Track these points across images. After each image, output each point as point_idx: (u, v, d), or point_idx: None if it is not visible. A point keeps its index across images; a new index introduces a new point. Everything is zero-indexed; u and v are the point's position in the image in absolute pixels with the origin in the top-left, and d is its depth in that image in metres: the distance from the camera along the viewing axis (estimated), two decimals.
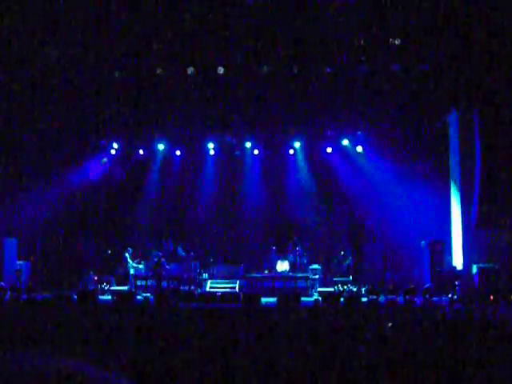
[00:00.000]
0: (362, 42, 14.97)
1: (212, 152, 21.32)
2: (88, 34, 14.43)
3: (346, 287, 17.94)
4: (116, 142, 21.00)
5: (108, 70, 16.14)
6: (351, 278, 18.53)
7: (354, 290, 17.53)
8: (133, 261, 19.02)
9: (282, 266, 18.93)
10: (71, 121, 18.66)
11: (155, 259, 18.53)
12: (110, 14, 13.75)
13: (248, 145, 21.04)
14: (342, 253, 19.52)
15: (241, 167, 21.66)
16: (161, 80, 16.66)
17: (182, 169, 21.81)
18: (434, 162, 18.96)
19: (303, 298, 15.25)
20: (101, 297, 16.67)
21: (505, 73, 15.24)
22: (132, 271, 18.79)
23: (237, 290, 17.87)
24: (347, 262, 19.18)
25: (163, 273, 18.19)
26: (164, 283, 18.02)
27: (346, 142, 20.52)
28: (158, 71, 16.33)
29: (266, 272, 19.00)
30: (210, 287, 18.38)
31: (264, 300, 15.08)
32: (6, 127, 18.44)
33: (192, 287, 17.94)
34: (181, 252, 19.53)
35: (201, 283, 18.45)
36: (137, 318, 8.97)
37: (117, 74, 16.33)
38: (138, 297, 16.80)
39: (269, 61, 15.95)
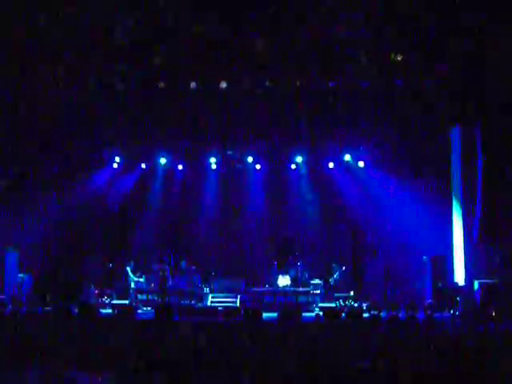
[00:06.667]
0: (364, 57, 15.03)
1: (214, 166, 21.35)
2: (91, 47, 14.50)
3: (347, 302, 17.86)
4: (118, 155, 21.02)
5: (110, 82, 16.20)
6: (352, 293, 18.45)
7: (356, 305, 17.46)
8: (134, 274, 18.96)
9: (284, 280, 18.85)
10: (73, 134, 18.67)
11: (160, 273, 18.40)
12: (113, 28, 13.83)
13: (250, 159, 21.05)
14: (341, 267, 19.34)
15: (242, 182, 21.66)
16: (163, 94, 16.71)
17: (184, 183, 21.81)
18: (435, 176, 18.93)
19: (304, 313, 15.17)
20: (101, 310, 16.61)
21: (507, 88, 15.26)
22: (133, 285, 18.72)
23: (238, 304, 17.79)
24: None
25: (169, 287, 18.15)
26: (166, 298, 17.95)
27: (347, 157, 20.52)
28: (160, 85, 16.38)
29: (267, 287, 18.92)
30: (211, 301, 18.29)
31: (265, 315, 15.02)
32: (7, 139, 18.46)
33: (193, 301, 17.87)
34: (183, 266, 19.46)
35: (202, 297, 18.36)
36: (137, 332, 8.94)
37: (119, 87, 16.40)
38: (139, 311, 16.75)
39: (271, 75, 16.01)
